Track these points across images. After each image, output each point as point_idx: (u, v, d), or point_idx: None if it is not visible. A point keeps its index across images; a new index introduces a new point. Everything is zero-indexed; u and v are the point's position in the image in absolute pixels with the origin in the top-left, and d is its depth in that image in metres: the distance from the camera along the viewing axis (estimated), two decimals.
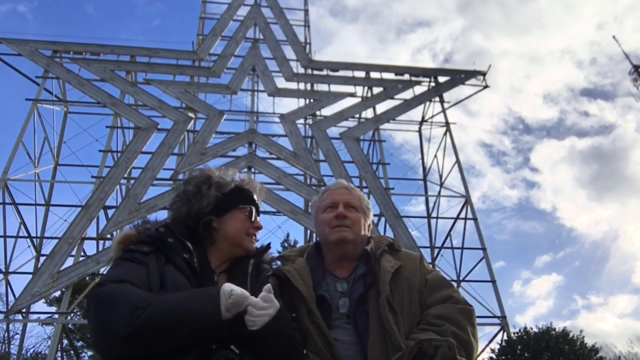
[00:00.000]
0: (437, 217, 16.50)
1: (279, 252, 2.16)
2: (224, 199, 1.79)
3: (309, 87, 17.69)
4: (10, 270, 13.77)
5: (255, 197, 1.88)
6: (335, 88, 17.40)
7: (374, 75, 17.77)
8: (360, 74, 17.76)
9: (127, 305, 1.39)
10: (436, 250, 15.94)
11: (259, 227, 1.85)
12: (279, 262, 1.96)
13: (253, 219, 1.83)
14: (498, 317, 13.30)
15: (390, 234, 13.82)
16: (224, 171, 1.90)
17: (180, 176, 14.66)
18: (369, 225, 2.05)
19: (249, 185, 1.89)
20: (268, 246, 1.90)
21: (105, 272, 1.80)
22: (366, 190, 14.89)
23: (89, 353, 18.41)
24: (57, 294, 15.14)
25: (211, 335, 1.44)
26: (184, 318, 1.41)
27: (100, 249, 13.24)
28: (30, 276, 12.75)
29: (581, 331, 11.76)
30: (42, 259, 13.44)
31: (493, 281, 13.91)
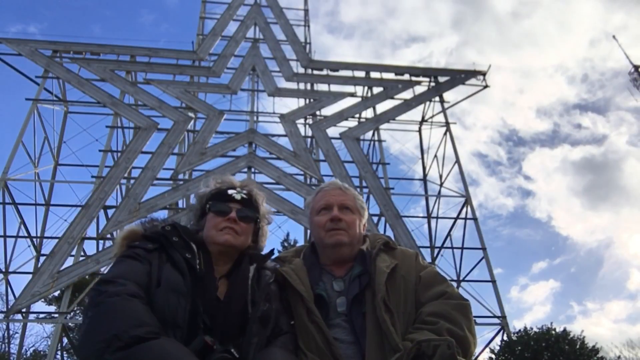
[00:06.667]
0: (437, 217, 16.49)
1: (278, 251, 2.15)
2: (201, 209, 1.86)
3: (309, 87, 17.68)
4: (10, 270, 13.81)
5: (230, 192, 1.84)
6: (335, 88, 17.41)
7: (374, 75, 17.77)
8: (360, 74, 17.76)
9: (107, 332, 1.35)
10: (436, 250, 15.93)
11: (232, 219, 1.77)
12: (277, 265, 1.95)
13: (224, 212, 1.78)
14: (498, 317, 13.30)
15: (390, 233, 13.81)
16: (217, 177, 1.93)
17: (180, 176, 14.67)
18: (364, 225, 2.04)
19: (220, 184, 1.88)
20: (271, 252, 1.90)
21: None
22: (366, 190, 14.89)
23: None
24: (57, 293, 15.12)
25: None
26: None
27: (100, 248, 13.25)
28: (30, 276, 12.76)
29: (582, 331, 11.71)
30: (42, 258, 13.46)
31: (493, 281, 13.89)
